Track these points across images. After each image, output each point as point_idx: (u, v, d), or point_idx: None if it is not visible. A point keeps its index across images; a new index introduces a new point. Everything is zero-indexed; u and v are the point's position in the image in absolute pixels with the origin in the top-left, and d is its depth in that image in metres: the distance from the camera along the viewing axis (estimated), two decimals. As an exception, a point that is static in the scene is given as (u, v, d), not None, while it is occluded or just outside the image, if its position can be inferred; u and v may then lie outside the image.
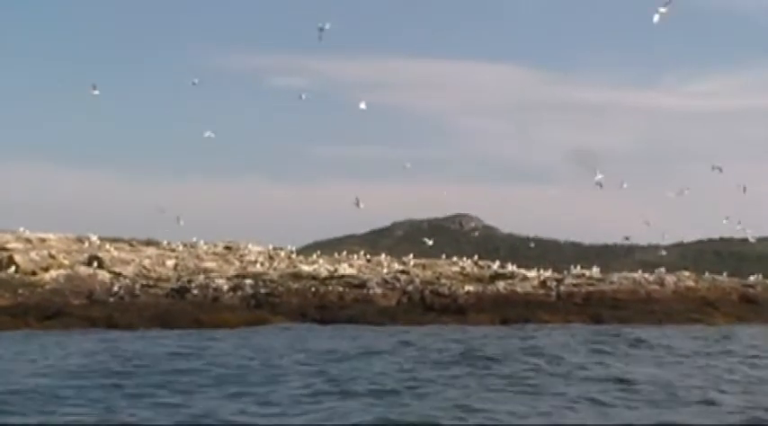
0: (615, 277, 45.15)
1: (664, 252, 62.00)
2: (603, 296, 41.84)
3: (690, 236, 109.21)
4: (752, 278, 50.59)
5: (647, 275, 45.97)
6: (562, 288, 42.69)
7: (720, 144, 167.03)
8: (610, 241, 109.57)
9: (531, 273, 47.47)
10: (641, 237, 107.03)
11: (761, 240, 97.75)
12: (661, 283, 44.19)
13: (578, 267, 51.00)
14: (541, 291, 42.52)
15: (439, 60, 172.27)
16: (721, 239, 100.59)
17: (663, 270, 48.64)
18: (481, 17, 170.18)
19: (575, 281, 44.00)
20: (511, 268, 49.48)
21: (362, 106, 37.94)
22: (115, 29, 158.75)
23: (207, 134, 40.72)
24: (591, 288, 42.67)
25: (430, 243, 50.85)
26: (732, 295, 44.60)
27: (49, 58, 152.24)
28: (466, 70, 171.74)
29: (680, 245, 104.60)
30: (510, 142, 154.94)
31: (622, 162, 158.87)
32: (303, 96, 47.62)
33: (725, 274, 51.93)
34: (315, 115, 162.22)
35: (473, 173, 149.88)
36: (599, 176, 37.90)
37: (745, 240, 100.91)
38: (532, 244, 54.23)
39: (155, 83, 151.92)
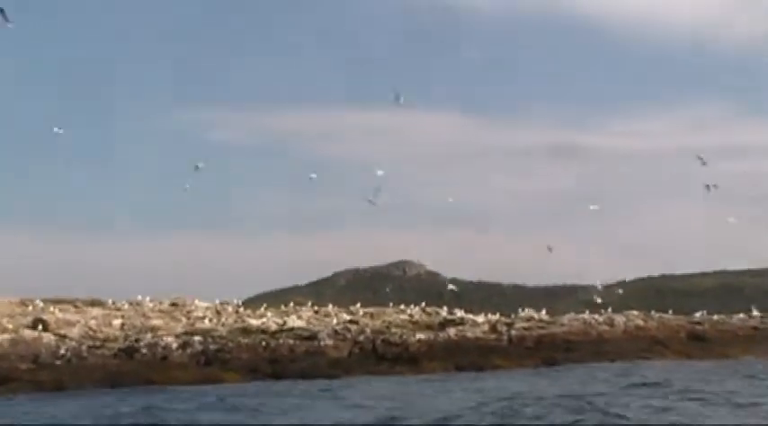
0: (565, 319, 45.54)
1: (606, 296, 62.83)
2: (555, 338, 42.11)
3: (631, 274, 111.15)
4: (697, 314, 51.49)
5: (596, 316, 46.45)
6: (513, 331, 42.85)
7: (655, 182, 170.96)
8: (551, 282, 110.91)
9: (480, 318, 47.60)
10: (582, 277, 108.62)
11: (702, 275, 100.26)
12: (611, 323, 44.69)
13: (525, 310, 51.36)
14: (492, 336, 42.61)
15: (377, 109, 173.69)
16: (662, 276, 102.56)
17: (610, 310, 49.34)
18: (420, 67, 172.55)
19: (525, 325, 44.22)
20: (459, 313, 49.59)
21: (380, 173, 38.88)
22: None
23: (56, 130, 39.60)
24: (542, 331, 42.93)
25: (387, 290, 50.97)
26: (680, 333, 45.31)
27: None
28: (405, 118, 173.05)
29: (621, 284, 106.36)
30: (449, 188, 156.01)
31: (562, 202, 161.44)
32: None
33: (670, 312, 52.81)
34: (253, 167, 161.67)
35: (414, 220, 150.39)
36: None
37: (685, 276, 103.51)
38: (452, 287, 54.12)
39: (92, 139, 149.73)
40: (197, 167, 38.03)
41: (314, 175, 41.27)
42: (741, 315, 53.30)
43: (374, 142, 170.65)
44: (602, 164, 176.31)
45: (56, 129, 35.97)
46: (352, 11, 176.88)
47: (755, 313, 53.46)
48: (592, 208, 39.59)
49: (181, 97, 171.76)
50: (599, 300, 57.59)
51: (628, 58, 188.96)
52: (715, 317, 51.69)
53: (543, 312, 49.33)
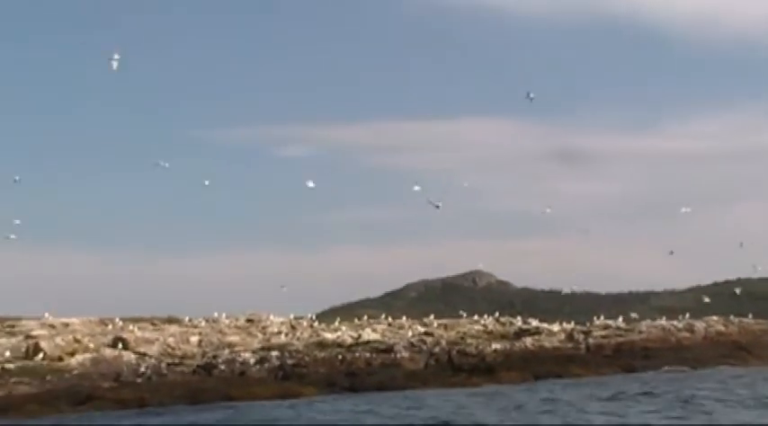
0: (643, 326, 44.82)
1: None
2: (634, 346, 41.46)
3: (706, 279, 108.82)
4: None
5: (675, 322, 45.58)
6: (590, 340, 42.34)
7: (723, 185, 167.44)
8: (625, 289, 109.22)
9: (556, 327, 47.11)
10: (656, 283, 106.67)
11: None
12: (691, 330, 43.86)
13: (602, 317, 50.61)
14: (569, 345, 42.15)
15: (440, 120, 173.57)
16: (738, 280, 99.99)
17: (688, 315, 48.38)
18: (476, 73, 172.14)
19: (602, 333, 43.64)
20: (534, 323, 49.15)
21: (311, 185, 37.66)
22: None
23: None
24: (620, 339, 42.33)
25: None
26: (763, 337, 44.15)
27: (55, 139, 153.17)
28: (468, 127, 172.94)
29: (696, 289, 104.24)
30: (516, 196, 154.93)
31: (629, 207, 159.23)
32: (311, 184, 44.46)
33: (750, 316, 51.57)
34: (322, 182, 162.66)
35: (483, 230, 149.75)
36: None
37: (763, 280, 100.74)
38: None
39: (163, 154, 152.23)
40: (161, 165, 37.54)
41: (418, 188, 41.09)
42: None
43: (438, 153, 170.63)
44: (671, 167, 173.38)
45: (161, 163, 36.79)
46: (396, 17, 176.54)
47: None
48: (683, 210, 39.33)
49: (247, 112, 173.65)
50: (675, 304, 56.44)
51: (687, 60, 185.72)
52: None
53: (620, 319, 48.57)
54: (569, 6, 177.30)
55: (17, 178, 46.82)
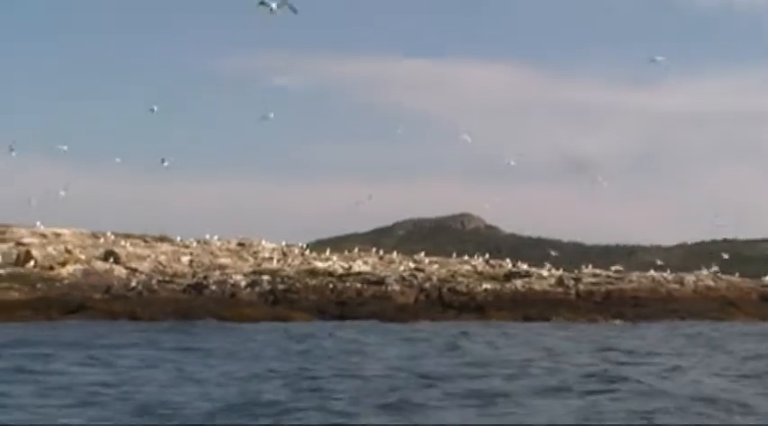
0: (634, 275, 44.88)
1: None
2: (623, 294, 41.52)
3: (693, 238, 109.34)
4: (766, 278, 50.37)
5: (665, 274, 45.70)
6: (581, 286, 42.38)
7: (719, 146, 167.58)
8: (612, 242, 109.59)
9: (545, 271, 47.13)
10: (644, 238, 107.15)
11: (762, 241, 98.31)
12: (681, 282, 43.98)
13: (590, 266, 50.60)
14: (560, 289, 42.20)
15: (440, 59, 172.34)
16: (724, 240, 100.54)
17: (668, 271, 48.24)
18: (480, 15, 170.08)
19: (593, 280, 43.66)
20: (524, 267, 49.15)
21: (271, 115, 37.51)
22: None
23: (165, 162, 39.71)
24: (610, 287, 42.38)
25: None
26: (752, 295, 44.36)
27: (59, 61, 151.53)
28: (467, 69, 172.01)
29: (683, 246, 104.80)
30: (510, 142, 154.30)
31: (621, 162, 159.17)
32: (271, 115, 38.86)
33: (737, 275, 51.69)
34: (314, 115, 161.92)
35: (474, 173, 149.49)
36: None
37: (747, 241, 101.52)
38: (553, 252, 53.64)
39: (163, 84, 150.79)
40: (265, 117, 36.43)
41: (399, 131, 43.50)
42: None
43: (435, 93, 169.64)
44: (666, 125, 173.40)
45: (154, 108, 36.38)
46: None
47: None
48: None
49: (240, 41, 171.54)
50: (659, 262, 56.55)
51: (693, 18, 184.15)
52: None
53: (613, 268, 48.51)
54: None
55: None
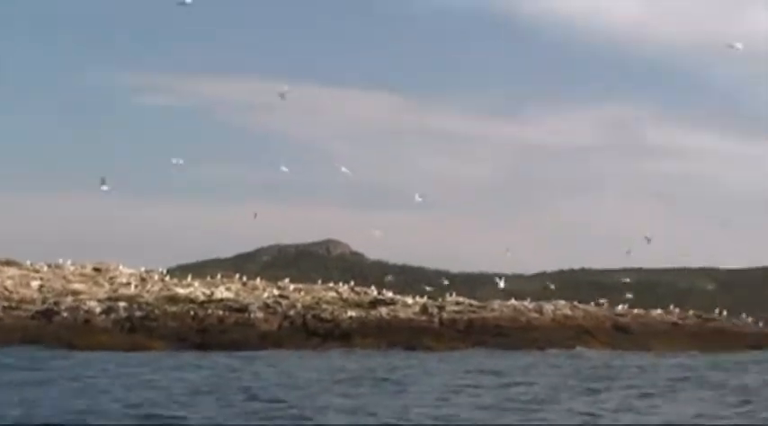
0: (496, 304, 45.50)
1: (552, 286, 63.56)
2: (486, 323, 42.00)
3: (552, 266, 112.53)
4: (619, 307, 52.00)
5: (525, 303, 46.55)
6: (444, 314, 42.65)
7: (578, 177, 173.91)
8: (475, 269, 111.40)
9: (410, 300, 47.25)
10: (505, 266, 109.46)
11: (620, 271, 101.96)
12: (540, 311, 44.83)
13: (453, 294, 51.09)
14: (424, 318, 42.32)
15: (312, 85, 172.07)
16: (582, 269, 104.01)
17: (528, 300, 49.20)
18: (356, 44, 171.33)
19: (456, 308, 44.02)
20: (389, 294, 49.14)
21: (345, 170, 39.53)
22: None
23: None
24: (473, 316, 42.81)
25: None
26: (606, 323, 45.64)
27: None
28: (339, 96, 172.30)
29: (542, 275, 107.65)
30: (379, 168, 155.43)
31: (487, 191, 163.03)
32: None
33: (591, 304, 53.15)
34: (185, 134, 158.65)
35: (341, 199, 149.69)
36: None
37: (604, 271, 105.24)
38: (428, 287, 54.01)
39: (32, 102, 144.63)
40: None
41: (285, 169, 43.93)
42: (659, 311, 54.07)
43: (307, 118, 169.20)
44: (529, 156, 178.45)
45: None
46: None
47: (674, 309, 54.26)
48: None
49: (108, 56, 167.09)
50: (501, 284, 57.56)
51: (557, 54, 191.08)
52: (635, 311, 52.28)
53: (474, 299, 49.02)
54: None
55: None
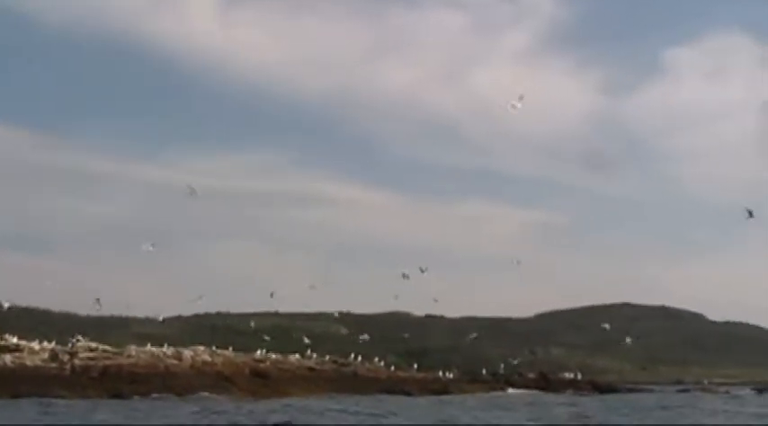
0: (133, 350, 43.56)
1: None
2: (121, 370, 40.04)
3: (188, 310, 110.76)
4: (258, 353, 52.23)
5: (164, 349, 45.07)
6: (77, 361, 40.04)
7: (217, 221, 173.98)
8: (105, 312, 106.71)
9: (36, 345, 43.82)
10: (138, 309, 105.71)
11: (257, 315, 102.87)
12: (179, 357, 43.66)
13: (79, 338, 48.23)
14: (54, 364, 39.42)
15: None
16: (218, 313, 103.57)
17: (166, 345, 47.85)
18: None
19: (90, 354, 41.48)
20: (13, 339, 45.18)
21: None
22: None
23: None
24: (108, 362, 40.63)
25: None
26: (245, 370, 45.48)
27: None
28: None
29: (179, 319, 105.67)
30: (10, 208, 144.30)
31: (120, 231, 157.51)
32: None
33: (230, 348, 52.92)
34: None
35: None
36: None
37: (240, 315, 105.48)
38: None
39: None
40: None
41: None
42: (297, 356, 55.16)
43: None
44: (165, 198, 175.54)
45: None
46: None
47: (312, 355, 55.62)
48: (148, 247, 43.43)
49: None
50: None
51: (198, 95, 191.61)
52: (274, 356, 52.81)
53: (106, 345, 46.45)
54: (86, 27, 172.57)
55: None
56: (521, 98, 31.86)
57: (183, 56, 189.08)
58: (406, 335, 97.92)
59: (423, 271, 46.49)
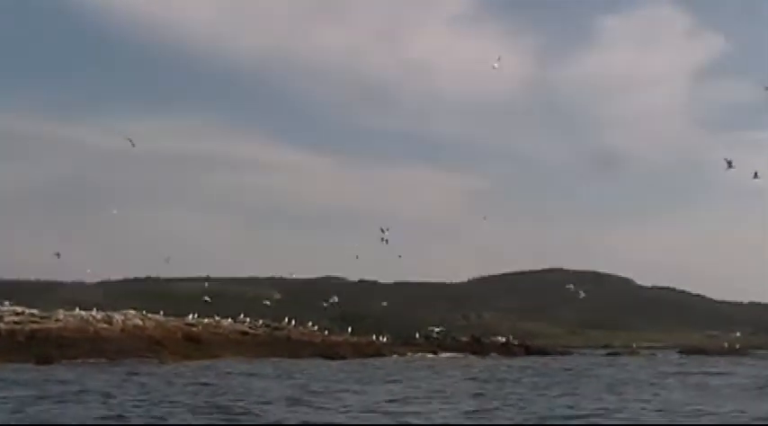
0: (61, 314, 42.46)
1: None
2: (50, 334, 38.99)
3: (116, 274, 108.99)
4: (190, 317, 51.53)
5: (93, 313, 44.07)
6: (2, 325, 38.84)
7: (153, 185, 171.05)
8: (30, 277, 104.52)
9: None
10: (65, 274, 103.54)
11: (188, 280, 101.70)
12: (110, 322, 42.71)
13: (5, 302, 46.95)
14: (-23, 329, 38.19)
15: None
16: (148, 278, 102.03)
17: (95, 310, 46.78)
18: None
19: (16, 319, 40.31)
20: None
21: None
22: None
23: None
24: (35, 326, 39.51)
25: None
26: (177, 334, 44.81)
27: None
28: None
29: (107, 283, 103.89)
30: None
31: (44, 195, 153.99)
32: None
33: (161, 313, 52.10)
34: None
35: None
36: None
37: (170, 280, 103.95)
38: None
39: None
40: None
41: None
42: (229, 320, 54.59)
43: None
44: (95, 161, 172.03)
45: None
46: None
47: (245, 319, 55.15)
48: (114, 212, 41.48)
49: None
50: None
51: (130, 56, 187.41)
52: (206, 320, 52.14)
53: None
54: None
55: None
56: (499, 59, 36.11)
57: (113, 15, 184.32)
58: (336, 299, 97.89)
59: (383, 232, 45.74)
